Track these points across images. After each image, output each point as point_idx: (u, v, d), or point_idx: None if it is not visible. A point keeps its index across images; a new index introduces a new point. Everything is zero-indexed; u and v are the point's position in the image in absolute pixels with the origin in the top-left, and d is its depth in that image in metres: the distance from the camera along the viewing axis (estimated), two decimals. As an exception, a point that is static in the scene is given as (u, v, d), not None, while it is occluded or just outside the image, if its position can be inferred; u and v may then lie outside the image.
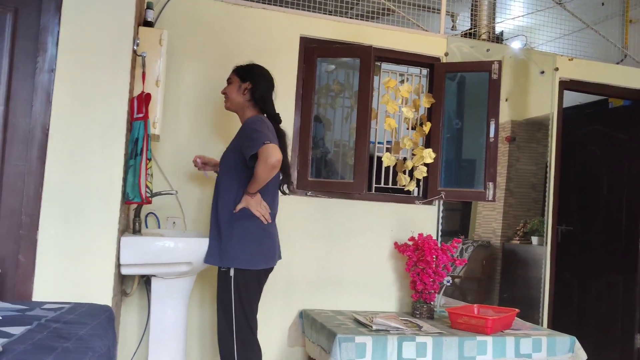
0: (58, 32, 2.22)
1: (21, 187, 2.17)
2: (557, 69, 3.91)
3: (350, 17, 3.54)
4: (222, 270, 2.52)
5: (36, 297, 2.14)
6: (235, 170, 2.54)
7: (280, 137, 2.61)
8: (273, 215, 2.61)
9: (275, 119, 2.66)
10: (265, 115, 2.65)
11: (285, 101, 3.29)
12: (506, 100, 3.97)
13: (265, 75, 2.69)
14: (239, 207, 2.49)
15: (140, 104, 2.42)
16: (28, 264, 2.15)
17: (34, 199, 2.17)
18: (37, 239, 2.16)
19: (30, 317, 1.77)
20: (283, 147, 2.60)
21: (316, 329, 2.97)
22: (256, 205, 2.51)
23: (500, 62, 3.50)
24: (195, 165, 2.86)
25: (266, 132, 2.45)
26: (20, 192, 2.17)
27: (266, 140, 2.38)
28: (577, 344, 3.03)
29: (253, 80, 2.64)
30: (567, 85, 3.97)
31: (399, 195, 3.58)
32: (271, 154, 2.35)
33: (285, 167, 2.64)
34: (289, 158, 2.81)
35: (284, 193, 2.76)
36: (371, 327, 2.85)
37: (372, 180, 3.55)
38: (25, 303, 2.01)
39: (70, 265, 2.19)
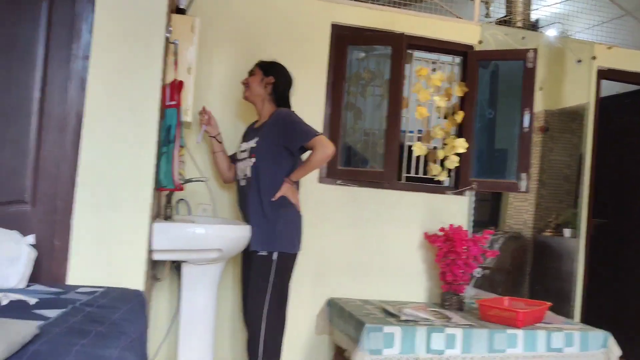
0: (92, 19, 2.23)
1: (56, 173, 2.20)
2: (594, 58, 3.81)
3: (382, 5, 3.49)
4: (262, 255, 2.61)
5: (70, 280, 2.18)
6: (276, 160, 2.67)
7: None
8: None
9: None
10: None
11: (315, 89, 3.28)
12: (540, 89, 3.88)
13: (286, 74, 2.86)
14: (279, 194, 2.62)
15: (172, 91, 2.43)
16: (62, 248, 2.18)
17: (69, 184, 2.20)
18: (71, 224, 2.19)
19: (65, 300, 1.80)
20: None
21: (344, 318, 2.97)
22: (294, 193, 2.68)
23: (536, 50, 3.42)
24: (202, 114, 2.91)
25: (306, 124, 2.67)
26: (55, 177, 2.20)
27: (317, 132, 2.63)
28: (611, 340, 2.98)
29: (276, 76, 2.80)
30: (605, 74, 3.87)
31: (430, 185, 3.54)
32: (329, 145, 2.59)
33: None
34: None
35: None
36: (400, 317, 2.84)
37: (403, 170, 3.52)
38: (60, 286, 2.06)
39: (104, 250, 2.22)
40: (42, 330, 1.39)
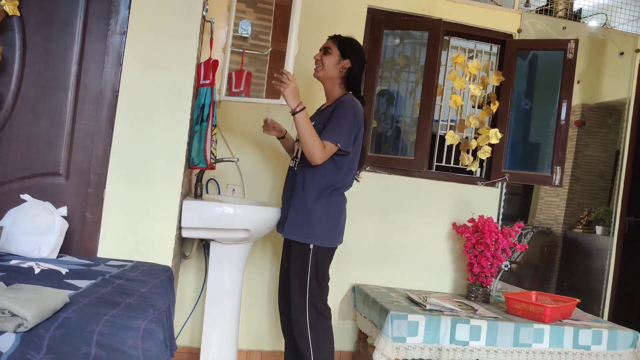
0: (130, -6, 2.24)
1: (90, 146, 2.23)
2: (637, 51, 3.70)
3: (421, -11, 3.43)
4: (300, 243, 2.47)
5: (101, 253, 2.21)
6: None
7: (365, 121, 2.55)
8: (348, 184, 2.57)
9: (362, 101, 2.56)
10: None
11: (349, 73, 3.24)
12: (578, 82, 3.79)
13: (362, 56, 2.59)
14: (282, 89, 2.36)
15: (207, 70, 2.43)
16: (94, 221, 2.22)
17: (102, 158, 2.23)
18: (103, 197, 2.22)
19: (95, 272, 1.83)
20: (365, 134, 2.57)
21: (368, 304, 2.96)
22: (292, 94, 2.36)
23: (577, 41, 3.33)
24: (266, 124, 2.74)
25: (352, 130, 2.42)
26: (90, 151, 2.23)
27: (339, 141, 2.37)
28: (641, 340, 2.92)
29: (352, 59, 2.52)
30: (648, 68, 3.75)
31: (461, 175, 3.49)
32: (325, 156, 2.36)
33: (362, 158, 2.63)
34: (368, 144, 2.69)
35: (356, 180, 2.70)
36: (425, 306, 2.82)
37: (434, 158, 3.47)
38: (91, 258, 2.09)
39: (134, 225, 2.24)
40: (72, 299, 1.41)
